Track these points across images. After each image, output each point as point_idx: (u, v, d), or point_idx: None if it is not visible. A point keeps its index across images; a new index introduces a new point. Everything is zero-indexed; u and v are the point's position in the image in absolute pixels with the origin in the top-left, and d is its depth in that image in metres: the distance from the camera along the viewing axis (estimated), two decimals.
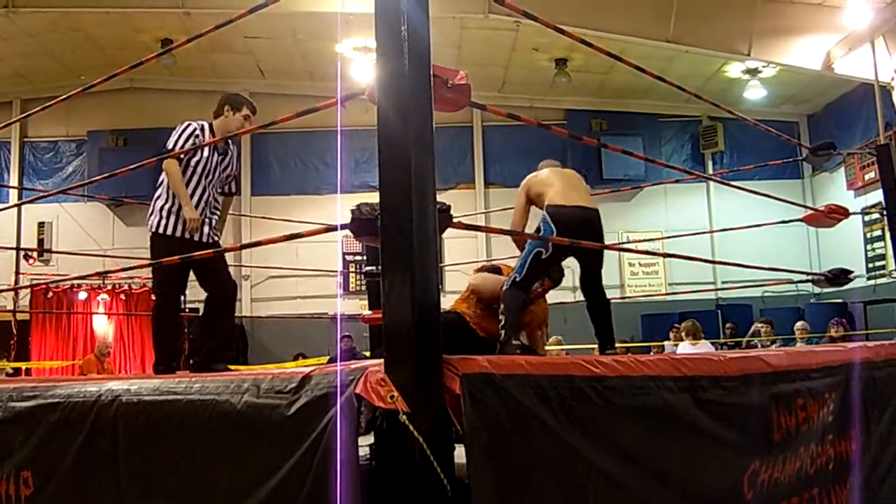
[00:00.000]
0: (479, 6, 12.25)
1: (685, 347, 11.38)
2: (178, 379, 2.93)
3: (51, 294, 15.37)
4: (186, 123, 5.42)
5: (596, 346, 5.76)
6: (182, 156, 5.26)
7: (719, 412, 2.95)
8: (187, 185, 5.31)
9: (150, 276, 5.65)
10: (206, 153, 5.39)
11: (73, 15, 13.43)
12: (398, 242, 2.25)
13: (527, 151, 15.85)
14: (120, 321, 15.57)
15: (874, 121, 12.97)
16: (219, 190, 5.61)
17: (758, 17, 12.58)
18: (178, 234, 5.27)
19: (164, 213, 5.31)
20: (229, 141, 5.58)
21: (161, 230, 5.29)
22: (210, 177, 5.44)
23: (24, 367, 13.87)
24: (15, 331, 14.52)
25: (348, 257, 15.50)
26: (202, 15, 12.44)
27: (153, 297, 5.69)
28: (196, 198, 5.34)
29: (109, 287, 15.48)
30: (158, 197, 5.37)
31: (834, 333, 11.16)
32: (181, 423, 2.73)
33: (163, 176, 5.37)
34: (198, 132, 5.40)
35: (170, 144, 5.35)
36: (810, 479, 3.49)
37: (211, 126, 5.49)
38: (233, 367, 11.76)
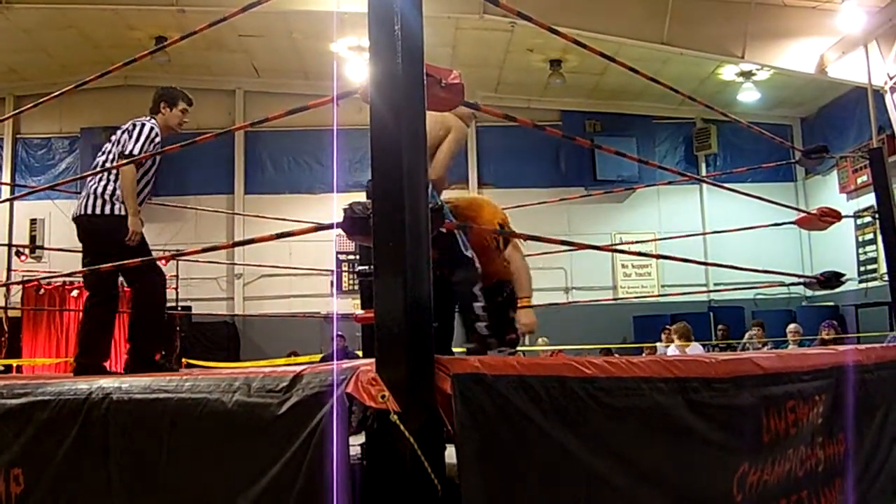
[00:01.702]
0: (474, 6, 12.27)
1: (674, 350, 11.41)
2: (170, 377, 2.93)
3: (42, 291, 15.33)
4: (149, 127, 5.18)
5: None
6: (142, 161, 5.05)
7: (710, 414, 2.96)
8: (142, 185, 5.15)
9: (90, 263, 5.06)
10: (157, 157, 5.25)
11: (67, 11, 13.41)
12: (390, 242, 2.25)
13: (520, 152, 15.92)
14: None
15: (867, 124, 13.05)
16: None
17: (752, 20, 12.62)
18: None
19: (118, 200, 5.07)
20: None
21: (123, 213, 5.06)
22: (153, 178, 5.33)
23: (14, 365, 13.83)
24: (6, 328, 14.49)
25: (341, 256, 15.49)
26: (196, 12, 12.44)
27: (97, 292, 5.19)
28: (145, 197, 5.23)
29: None
30: (106, 182, 5.09)
31: (825, 336, 11.19)
32: (172, 422, 2.72)
33: (103, 161, 5.20)
34: (158, 134, 5.20)
35: (135, 148, 5.06)
36: (799, 482, 3.50)
37: (156, 124, 5.28)
38: (224, 364, 11.73)
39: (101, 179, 5.13)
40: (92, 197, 5.10)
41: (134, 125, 5.18)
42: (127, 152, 5.05)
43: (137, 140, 5.09)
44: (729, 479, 3.02)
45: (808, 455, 3.58)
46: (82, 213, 5.15)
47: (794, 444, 3.45)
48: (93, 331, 5.15)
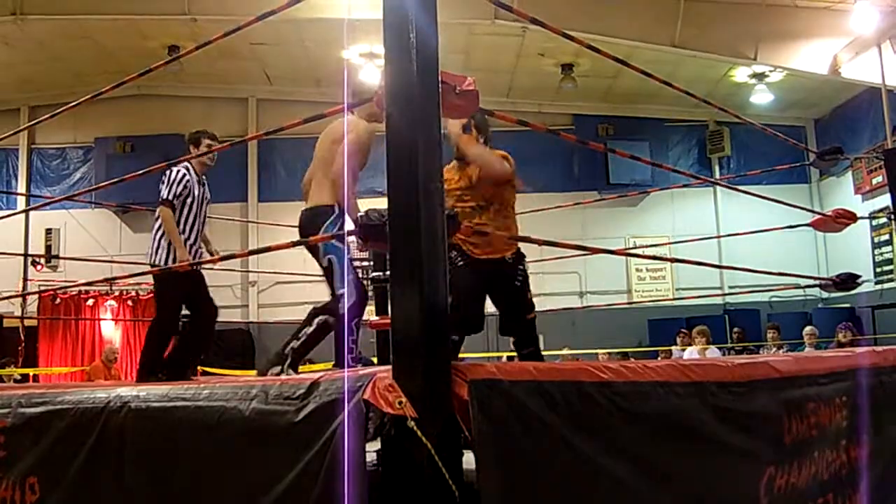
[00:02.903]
0: (486, 12, 12.25)
1: (692, 353, 11.38)
2: (187, 385, 2.93)
3: (58, 300, 15.41)
4: (175, 171, 5.95)
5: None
6: (176, 202, 5.91)
7: (729, 417, 2.94)
8: (186, 221, 5.99)
9: (157, 295, 6.32)
10: (196, 191, 6.06)
11: (81, 22, 13.46)
12: (406, 248, 2.25)
13: (533, 157, 15.86)
14: (127, 327, 15.59)
15: (882, 125, 12.96)
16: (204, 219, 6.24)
17: (764, 22, 12.57)
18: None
19: (172, 250, 5.91)
20: (204, 175, 6.27)
21: (164, 256, 5.93)
22: (200, 209, 6.13)
23: (31, 373, 13.89)
24: (23, 337, 14.55)
25: (355, 263, 15.48)
26: (209, 21, 12.47)
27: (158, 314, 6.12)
28: (194, 231, 6.04)
29: (117, 293, 15.52)
30: (162, 235, 5.95)
31: (842, 338, 11.13)
32: (189, 430, 2.73)
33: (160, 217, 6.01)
34: (186, 175, 6.00)
35: (164, 193, 5.91)
36: (825, 485, 3.48)
37: (191, 163, 6.10)
38: (240, 372, 11.75)
39: (158, 230, 5.99)
40: (151, 252, 5.98)
41: (164, 173, 5.96)
42: (161, 199, 5.93)
43: (167, 186, 5.92)
44: (755, 483, 3.00)
45: (832, 458, 3.56)
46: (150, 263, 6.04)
47: (818, 447, 3.43)
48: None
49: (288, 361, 4.84)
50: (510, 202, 5.26)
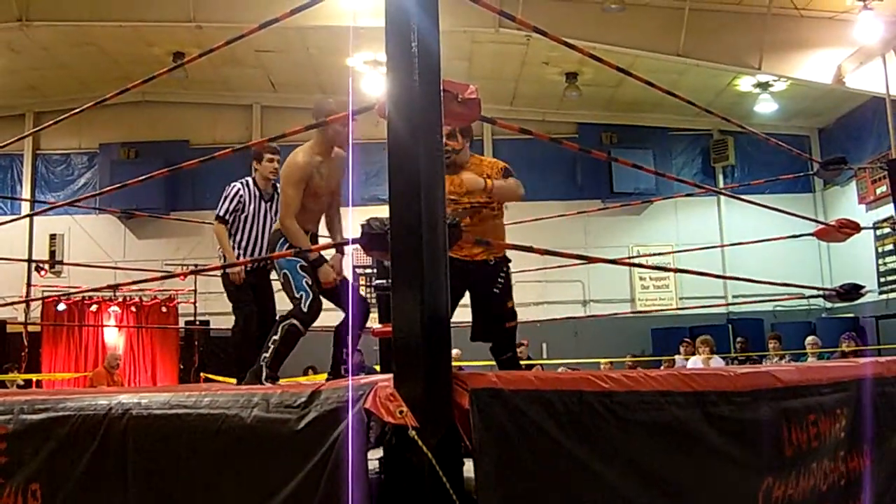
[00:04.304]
0: (490, 20, 12.28)
1: (696, 363, 11.37)
2: (188, 392, 2.93)
3: (62, 306, 15.41)
4: (229, 188, 6.12)
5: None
6: (228, 217, 6.05)
7: (730, 427, 2.93)
8: (243, 234, 6.11)
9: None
10: (252, 206, 6.14)
11: (86, 28, 13.52)
12: (407, 257, 2.25)
13: (537, 165, 15.90)
14: (130, 333, 15.57)
15: (886, 134, 12.97)
16: None
17: (768, 31, 12.58)
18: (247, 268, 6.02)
19: (220, 253, 6.16)
20: (275, 186, 6.17)
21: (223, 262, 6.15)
22: (262, 223, 6.16)
23: (34, 379, 13.88)
24: (26, 342, 14.56)
25: (359, 270, 15.48)
26: (214, 28, 12.51)
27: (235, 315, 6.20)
28: (252, 244, 6.12)
29: (120, 299, 15.51)
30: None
31: (845, 348, 11.11)
32: (191, 437, 2.73)
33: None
34: (241, 190, 6.13)
35: (220, 210, 6.07)
36: (823, 496, 3.46)
37: (254, 179, 6.20)
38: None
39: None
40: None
41: (225, 189, 6.17)
42: (217, 215, 6.10)
43: (221, 202, 6.10)
44: (753, 494, 2.99)
45: (831, 469, 3.54)
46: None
47: (818, 458, 3.42)
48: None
49: (264, 374, 4.83)
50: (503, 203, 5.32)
